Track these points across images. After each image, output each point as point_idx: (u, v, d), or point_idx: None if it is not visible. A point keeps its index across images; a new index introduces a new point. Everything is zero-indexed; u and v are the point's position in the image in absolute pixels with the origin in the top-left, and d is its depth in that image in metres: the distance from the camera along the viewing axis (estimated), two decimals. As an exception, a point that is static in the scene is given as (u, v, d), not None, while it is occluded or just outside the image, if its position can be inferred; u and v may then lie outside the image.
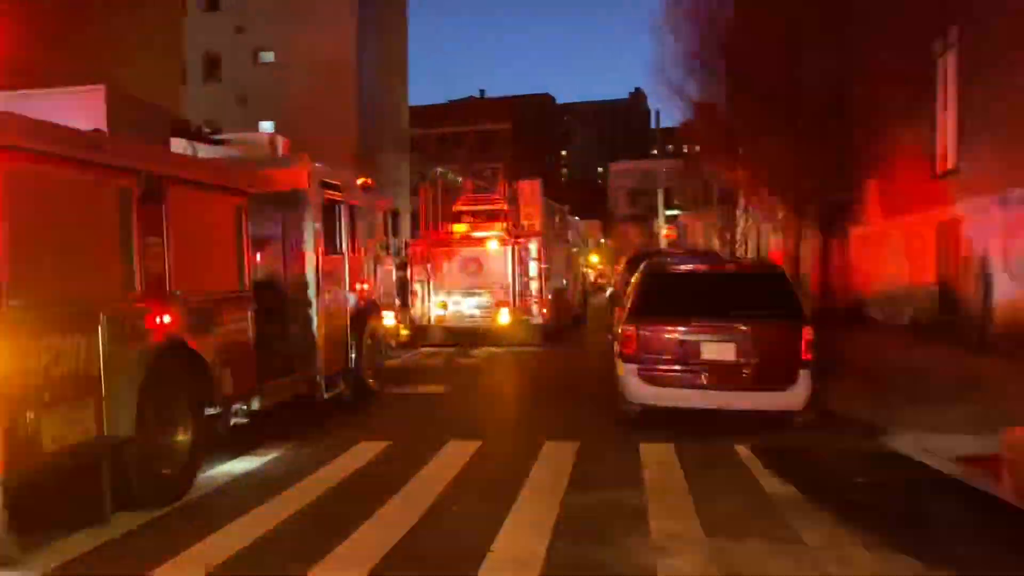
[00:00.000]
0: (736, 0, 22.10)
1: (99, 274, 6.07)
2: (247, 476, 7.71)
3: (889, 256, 19.26)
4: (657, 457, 8.10)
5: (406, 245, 17.53)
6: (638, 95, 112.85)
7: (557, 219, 22.27)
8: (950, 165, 16.30)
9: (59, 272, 5.64)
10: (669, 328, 9.19)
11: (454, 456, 8.26)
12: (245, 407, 8.20)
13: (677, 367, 9.09)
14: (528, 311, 17.98)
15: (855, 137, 18.33)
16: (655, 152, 50.26)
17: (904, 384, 11.34)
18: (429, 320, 17.96)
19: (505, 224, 18.25)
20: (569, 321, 22.29)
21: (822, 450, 8.37)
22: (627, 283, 14.01)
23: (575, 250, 25.94)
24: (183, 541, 5.83)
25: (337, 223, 10.56)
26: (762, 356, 8.89)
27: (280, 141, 10.59)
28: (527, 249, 18.17)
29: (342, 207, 10.65)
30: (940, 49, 16.55)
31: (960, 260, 15.67)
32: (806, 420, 9.12)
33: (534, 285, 18.16)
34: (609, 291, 22.86)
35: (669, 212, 50.82)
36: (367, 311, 11.44)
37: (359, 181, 11.63)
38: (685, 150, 43.01)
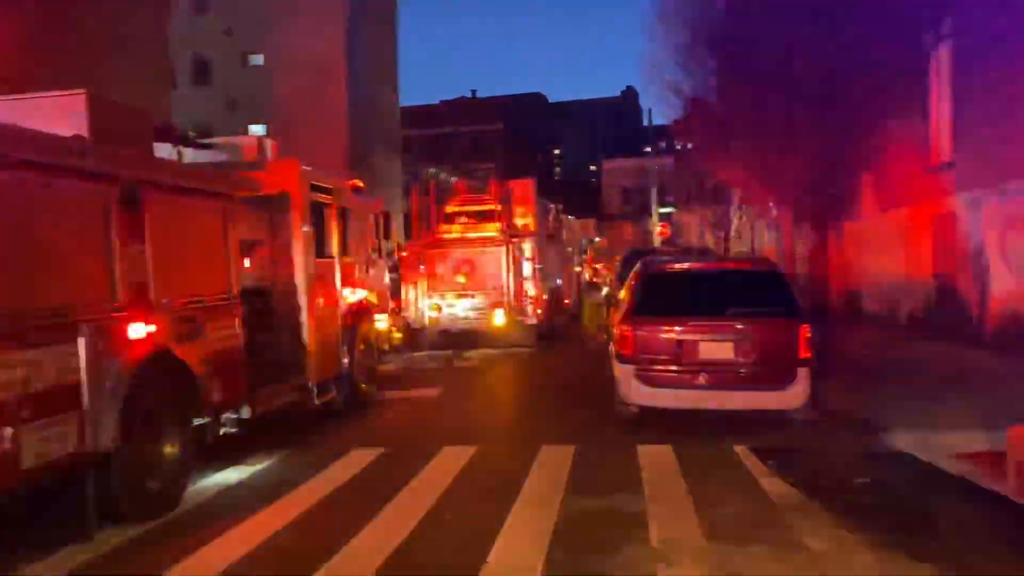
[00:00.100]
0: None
1: (79, 283, 5.91)
2: (237, 487, 7.55)
3: (885, 251, 19.15)
4: (655, 460, 7.96)
5: (398, 247, 17.34)
6: (630, 93, 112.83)
7: (551, 218, 22.11)
8: (945, 158, 16.19)
9: (37, 282, 5.47)
10: (666, 328, 9.05)
11: (449, 463, 8.10)
12: (235, 416, 8.03)
13: (674, 367, 8.95)
14: (523, 312, 17.81)
15: (849, 131, 18.20)
16: (648, 150, 50.16)
17: (903, 380, 11.22)
18: (423, 323, 17.77)
19: (498, 224, 18.07)
20: (564, 321, 22.15)
21: (822, 449, 8.22)
22: (622, 282, 13.87)
23: (569, 249, 25.80)
24: (171, 556, 5.68)
25: (327, 226, 10.39)
26: (760, 355, 8.76)
27: (268, 144, 10.40)
28: (521, 249, 18.00)
29: (332, 209, 10.48)
30: (933, 41, 16.44)
31: (957, 254, 15.56)
32: (805, 419, 8.99)
33: (528, 285, 18.00)
34: (604, 290, 22.70)
35: (663, 210, 50.76)
36: (359, 315, 11.28)
37: (349, 183, 11.46)
38: (678, 147, 42.91)
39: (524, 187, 19.18)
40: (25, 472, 5.22)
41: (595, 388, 11.34)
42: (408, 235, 24.21)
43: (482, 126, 77.74)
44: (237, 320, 8.01)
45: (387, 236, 13.46)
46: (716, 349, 8.87)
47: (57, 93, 6.93)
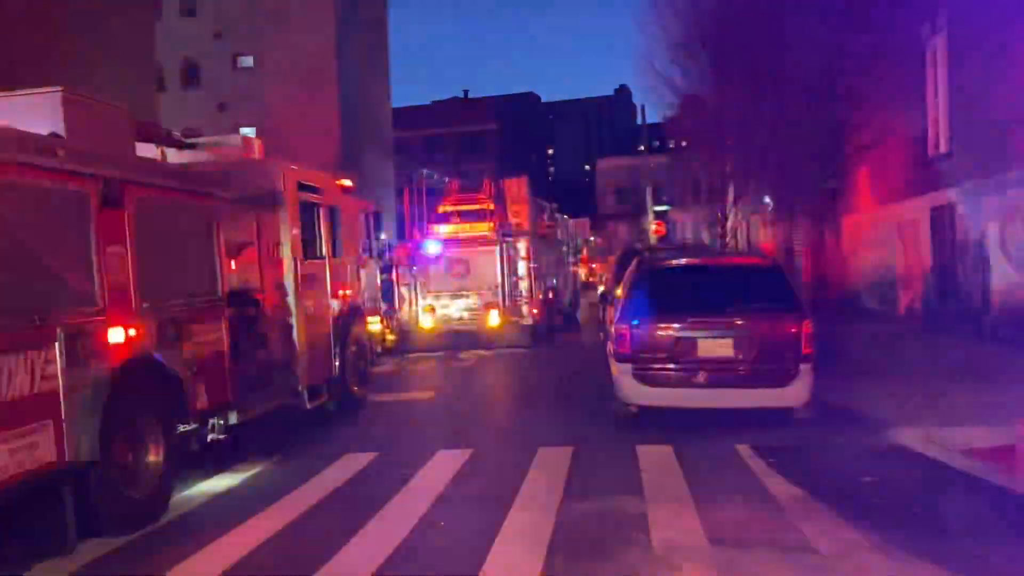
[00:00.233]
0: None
1: (56, 286, 5.68)
2: (225, 495, 7.34)
3: (882, 244, 19.00)
4: (655, 460, 7.75)
5: (390, 247, 17.11)
6: (623, 92, 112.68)
7: (545, 217, 21.93)
8: (942, 149, 16.02)
9: (11, 285, 5.24)
10: (664, 325, 8.84)
11: (443, 467, 7.89)
12: (222, 422, 7.82)
13: (673, 365, 8.75)
14: (518, 312, 17.60)
15: (844, 123, 18.05)
16: (642, 149, 49.98)
17: (904, 375, 11.04)
18: (416, 324, 17.53)
19: (492, 224, 17.86)
20: (560, 321, 21.94)
21: (826, 447, 8.03)
22: (618, 280, 13.65)
23: (564, 248, 25.61)
24: (154, 568, 5.48)
25: (316, 226, 10.17)
26: (761, 351, 8.56)
27: (256, 144, 10.19)
28: (515, 248, 17.80)
29: (321, 209, 10.26)
30: (929, 32, 16.27)
31: (956, 246, 15.40)
32: (807, 416, 8.79)
33: (523, 285, 17.80)
34: (600, 289, 22.50)
35: (657, 208, 50.58)
36: (351, 317, 11.05)
37: (338, 182, 11.24)
38: (672, 146, 42.76)
39: (517, 186, 19.00)
40: (1, 484, 4.98)
41: (592, 388, 11.15)
42: (401, 236, 23.99)
43: (475, 127, 77.45)
44: (224, 323, 7.79)
45: (379, 236, 13.25)
46: (715, 346, 8.67)
47: (32, 91, 6.72)
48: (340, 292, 10.72)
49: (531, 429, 9.72)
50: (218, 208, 7.90)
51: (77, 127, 6.61)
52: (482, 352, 17.06)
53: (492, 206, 18.16)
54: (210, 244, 7.71)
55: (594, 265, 36.48)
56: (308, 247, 9.84)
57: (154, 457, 6.54)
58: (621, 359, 8.94)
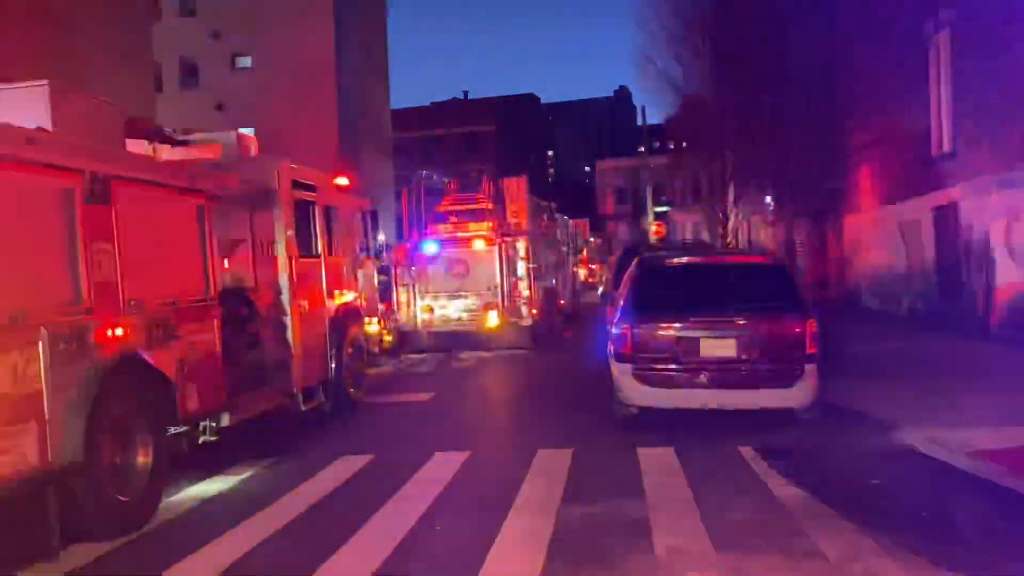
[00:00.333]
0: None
1: (39, 284, 5.51)
2: (216, 498, 7.17)
3: (885, 243, 18.85)
4: (657, 463, 7.59)
5: (388, 247, 16.92)
6: (623, 93, 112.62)
7: (544, 217, 21.73)
8: (946, 148, 15.88)
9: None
10: (665, 325, 8.68)
11: (440, 469, 7.71)
12: (214, 424, 7.65)
13: (675, 366, 8.58)
14: (517, 313, 17.40)
15: (846, 122, 17.89)
16: (642, 150, 49.84)
17: (909, 375, 10.90)
18: (414, 325, 17.34)
19: (491, 224, 17.67)
20: (560, 322, 21.76)
21: (832, 449, 7.88)
22: (618, 280, 13.48)
23: (564, 249, 25.42)
24: (140, 574, 5.29)
25: (312, 224, 10.01)
26: (764, 352, 8.40)
27: (251, 142, 10.02)
28: (514, 249, 17.60)
29: (316, 207, 10.09)
30: (932, 28, 16.12)
31: (959, 245, 15.25)
32: (811, 417, 8.62)
33: (522, 286, 17.59)
34: (600, 289, 22.33)
35: (658, 209, 50.43)
36: (347, 317, 10.89)
37: (335, 180, 11.07)
38: (672, 146, 42.62)
39: (517, 185, 18.79)
40: (-22, 488, 4.83)
41: (593, 390, 10.96)
42: (400, 237, 23.81)
43: (475, 127, 77.27)
44: (215, 322, 7.61)
45: (377, 236, 13.08)
46: (718, 346, 8.50)
47: (18, 84, 6.59)
48: (336, 292, 10.55)
49: (530, 431, 9.56)
50: (211, 206, 7.72)
51: (65, 121, 6.48)
52: (481, 353, 16.88)
53: (491, 206, 17.97)
54: (201, 242, 7.54)
55: (594, 266, 36.30)
56: (303, 246, 9.67)
57: (142, 459, 6.37)
58: (621, 359, 8.78)
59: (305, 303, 9.53)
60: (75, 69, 16.43)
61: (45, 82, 6.54)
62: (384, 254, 15.22)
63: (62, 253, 5.73)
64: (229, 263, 8.78)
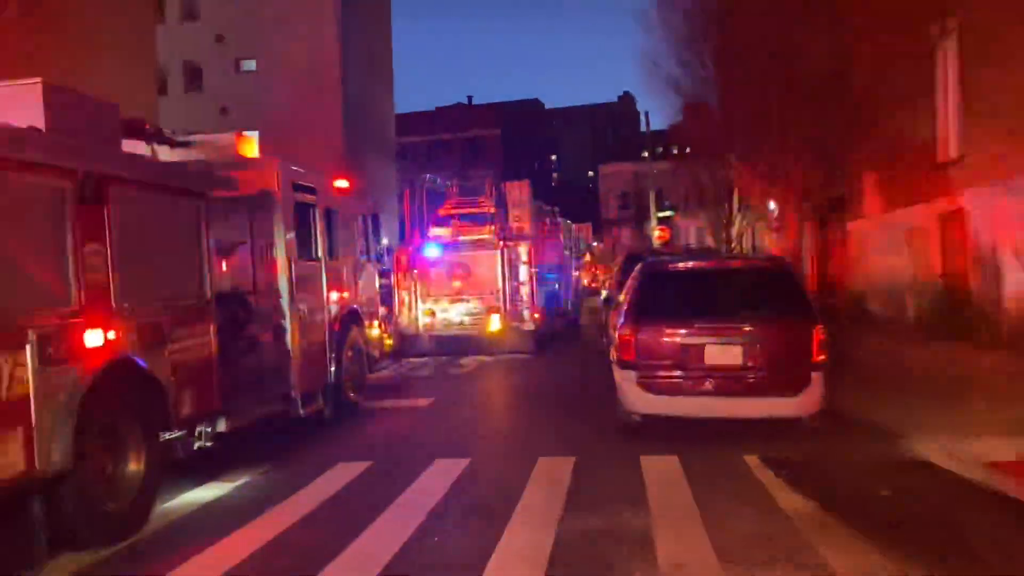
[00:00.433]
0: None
1: (28, 286, 5.37)
2: (210, 506, 7.02)
3: (890, 250, 18.65)
4: (661, 472, 7.42)
5: (389, 251, 16.79)
6: (627, 98, 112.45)
7: (547, 221, 21.61)
8: (953, 154, 15.70)
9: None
10: (669, 331, 8.50)
11: (439, 477, 7.56)
12: (210, 429, 7.51)
13: (679, 373, 8.40)
14: (519, 317, 17.26)
15: (852, 127, 17.70)
16: (645, 155, 49.69)
17: (917, 384, 10.73)
18: (416, 329, 17.20)
19: (494, 227, 17.54)
20: (562, 326, 21.61)
21: (840, 459, 7.70)
22: (622, 285, 13.31)
23: (567, 253, 25.29)
24: (129, 585, 5.16)
25: (312, 227, 9.88)
26: (771, 359, 8.22)
27: (252, 143, 9.86)
28: (517, 252, 17.46)
29: (317, 210, 9.96)
30: (939, 32, 15.96)
31: (966, 252, 15.06)
32: (818, 425, 8.45)
33: (525, 290, 17.45)
34: (604, 294, 22.15)
35: (661, 214, 50.24)
36: (347, 321, 10.75)
37: (336, 183, 10.94)
38: (675, 151, 42.43)
39: (519, 189, 18.69)
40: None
41: (595, 396, 10.83)
42: (402, 240, 23.68)
43: (479, 132, 77.25)
44: (211, 326, 7.47)
45: (379, 239, 12.95)
46: (723, 353, 8.33)
47: (11, 82, 6.44)
48: (336, 295, 10.41)
49: (531, 438, 9.41)
50: (209, 207, 7.60)
51: (59, 120, 6.34)
52: (482, 358, 16.74)
53: (493, 209, 17.86)
54: (198, 243, 7.41)
55: (597, 270, 36.16)
56: (303, 248, 9.55)
57: (134, 466, 6.22)
58: (624, 366, 8.62)
59: (304, 306, 9.39)
60: (77, 70, 16.34)
61: (38, 80, 6.40)
62: (385, 257, 15.10)
63: (52, 254, 5.59)
64: (227, 265, 8.66)
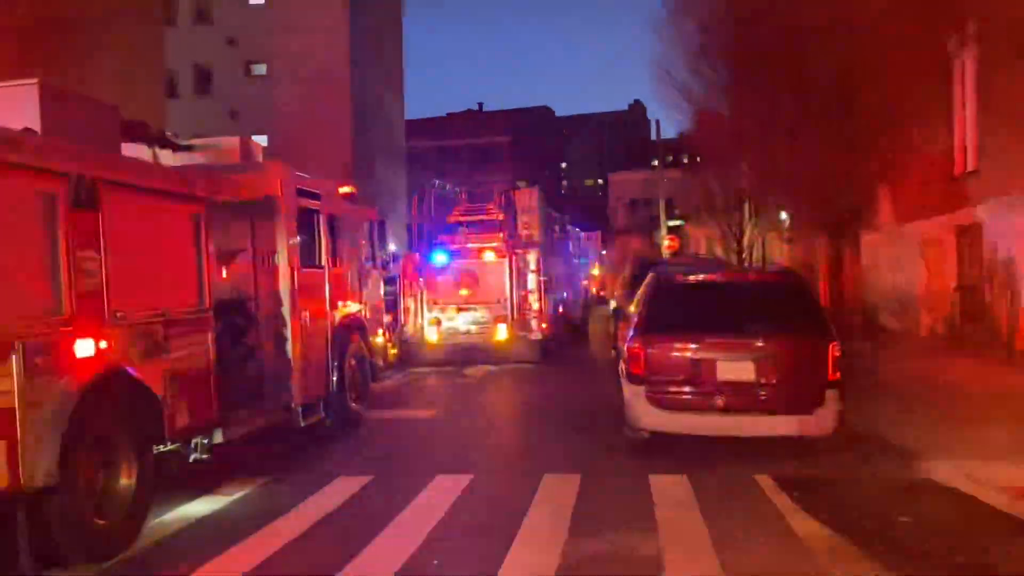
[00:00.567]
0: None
1: (15, 294, 5.18)
2: (206, 520, 6.81)
3: (905, 263, 18.38)
4: (670, 492, 7.18)
5: (395, 258, 16.58)
6: (637, 107, 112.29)
7: (556, 229, 21.39)
8: (970, 166, 15.45)
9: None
10: (680, 345, 8.27)
11: (441, 493, 7.34)
12: (206, 441, 7.30)
13: (689, 389, 8.17)
14: (527, 326, 17.01)
15: (867, 139, 17.43)
16: (655, 163, 49.45)
17: (934, 402, 10.44)
18: (421, 337, 16.97)
19: (502, 235, 17.31)
20: (570, 337, 21.36)
21: (856, 481, 7.44)
22: (631, 295, 13.07)
23: (576, 262, 25.07)
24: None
25: (316, 234, 9.70)
26: (784, 376, 7.97)
27: (255, 147, 9.72)
28: (525, 261, 17.22)
29: (321, 216, 9.78)
30: (957, 44, 15.70)
31: (983, 265, 14.79)
32: (834, 445, 8.19)
33: (533, 299, 17.20)
34: (612, 304, 21.91)
35: (671, 223, 49.94)
36: (351, 330, 10.55)
37: (341, 189, 10.76)
38: (686, 160, 42.18)
39: (528, 196, 18.46)
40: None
41: (603, 410, 10.59)
42: (410, 246, 23.51)
43: (489, 139, 77.18)
44: (209, 335, 7.28)
45: (384, 246, 12.75)
46: (735, 369, 8.09)
47: (7, 84, 6.29)
48: (340, 303, 10.22)
49: (537, 453, 9.18)
50: (208, 213, 7.41)
51: (56, 122, 6.21)
52: (489, 367, 16.49)
53: (502, 217, 17.62)
54: (196, 250, 7.21)
55: (606, 280, 35.91)
56: (306, 256, 9.36)
57: (126, 480, 6.02)
58: (633, 380, 8.39)
59: (306, 315, 9.20)
60: (84, 73, 16.25)
61: (35, 81, 6.27)
62: (391, 265, 14.91)
63: (42, 261, 5.42)
64: (227, 272, 8.47)
